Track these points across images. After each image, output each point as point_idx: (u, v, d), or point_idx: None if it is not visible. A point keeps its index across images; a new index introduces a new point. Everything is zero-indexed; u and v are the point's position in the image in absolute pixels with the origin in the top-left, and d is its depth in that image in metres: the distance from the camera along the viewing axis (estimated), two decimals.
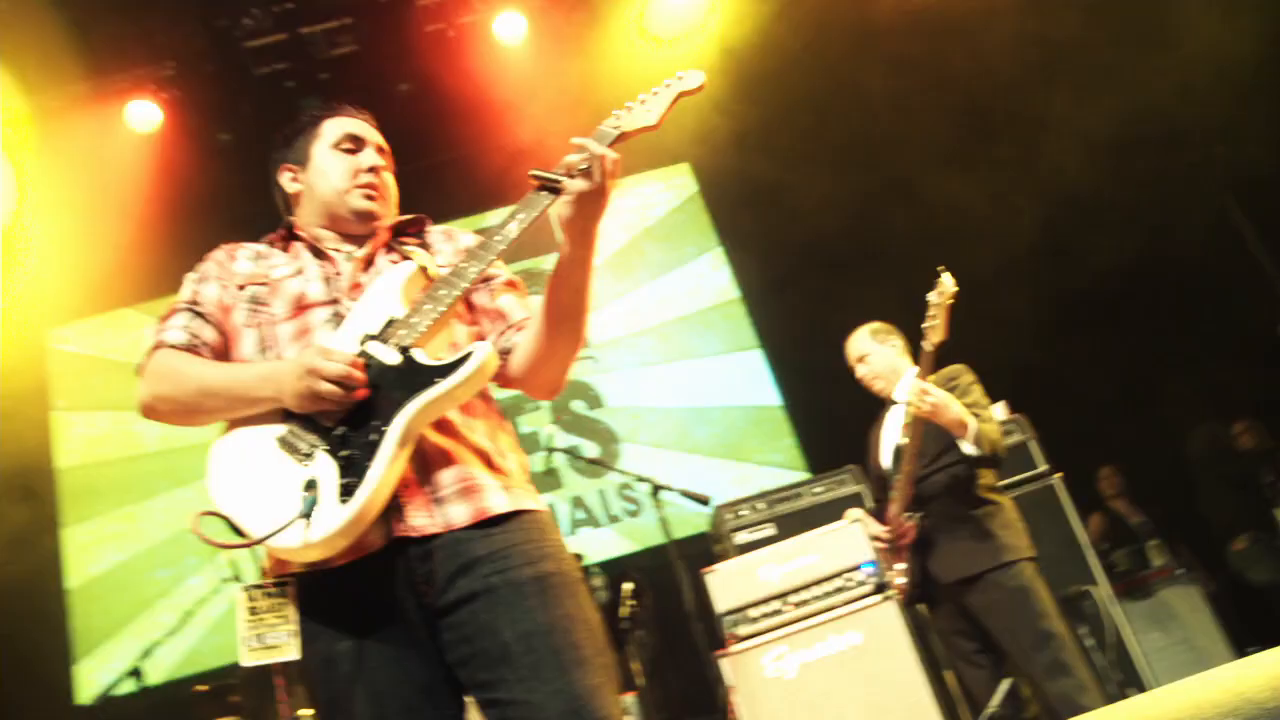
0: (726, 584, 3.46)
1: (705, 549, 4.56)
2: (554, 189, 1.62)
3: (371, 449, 1.55)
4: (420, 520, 1.60)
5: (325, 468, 1.57)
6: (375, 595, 1.60)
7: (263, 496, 1.60)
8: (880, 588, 3.38)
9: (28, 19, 5.07)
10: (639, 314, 6.62)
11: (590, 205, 1.60)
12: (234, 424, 1.73)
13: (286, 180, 1.96)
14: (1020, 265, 5.50)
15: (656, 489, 4.30)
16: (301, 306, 1.79)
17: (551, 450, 4.73)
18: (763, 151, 5.97)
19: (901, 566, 3.46)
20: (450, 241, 1.94)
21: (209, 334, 1.83)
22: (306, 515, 1.51)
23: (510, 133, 5.81)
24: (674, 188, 6.92)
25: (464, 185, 6.20)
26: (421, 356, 1.63)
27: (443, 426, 1.68)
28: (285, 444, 1.63)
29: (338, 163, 1.89)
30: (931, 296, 3.23)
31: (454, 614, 1.58)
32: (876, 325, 3.73)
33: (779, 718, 3.24)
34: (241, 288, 1.86)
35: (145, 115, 5.55)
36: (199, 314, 1.85)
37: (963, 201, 5.60)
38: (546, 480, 6.07)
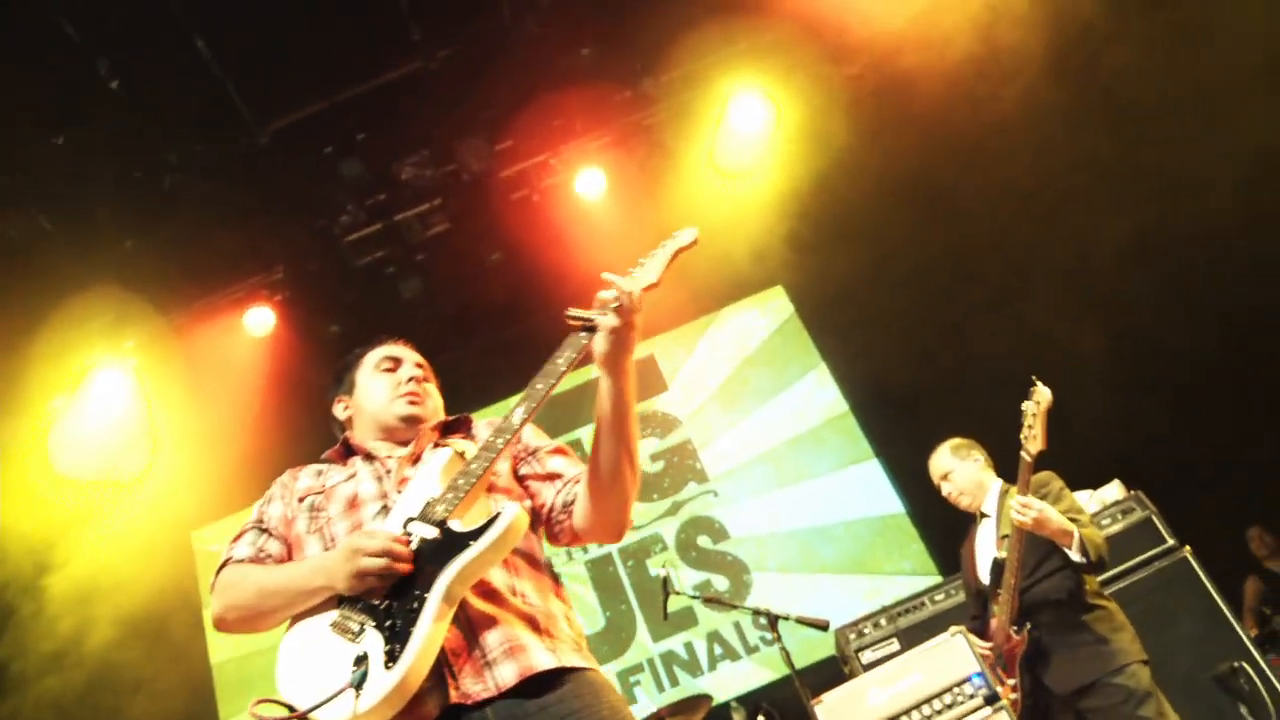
0: (836, 713, 3.76)
1: (836, 672, 4.99)
2: (590, 328, 1.97)
3: (414, 616, 1.81)
4: (473, 686, 1.85)
5: (373, 641, 1.84)
6: None
7: (319, 678, 1.86)
8: (991, 699, 3.60)
9: (150, 250, 6.29)
10: (751, 442, 7.31)
11: (621, 338, 1.93)
12: (295, 620, 2.01)
13: (339, 410, 2.43)
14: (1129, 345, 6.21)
15: (774, 621, 4.64)
16: (354, 505, 2.15)
17: (672, 594, 4.97)
18: (854, 268, 6.83)
19: (1012, 682, 3.73)
20: (493, 429, 2.21)
21: (274, 546, 2.20)
22: (357, 687, 1.77)
23: (598, 287, 7.01)
24: (769, 312, 7.67)
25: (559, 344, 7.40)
26: (457, 525, 1.91)
27: (489, 594, 1.94)
28: (338, 627, 1.91)
29: (380, 381, 2.35)
30: (1027, 405, 3.50)
31: None
32: (957, 441, 4.11)
33: None
34: (301, 500, 2.24)
35: (261, 319, 6.72)
36: (264, 530, 2.24)
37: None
38: (683, 618, 6.74)
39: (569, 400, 7.55)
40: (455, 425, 2.35)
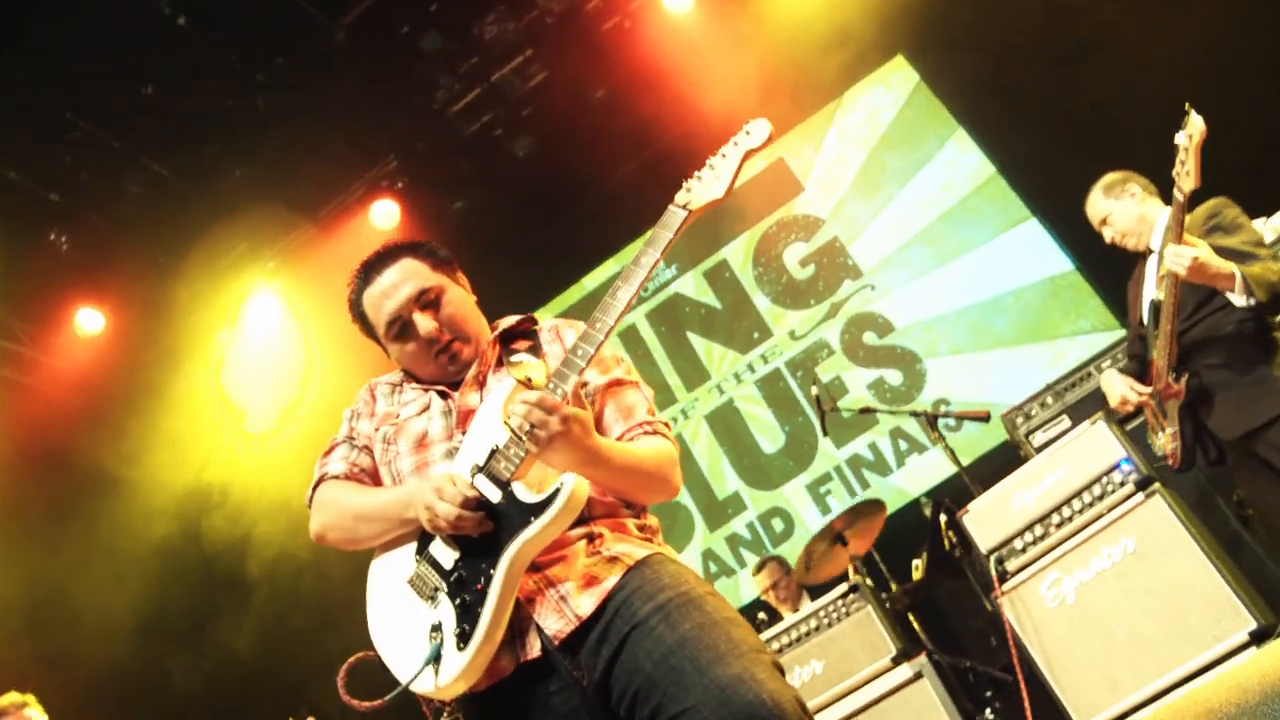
0: (983, 521, 3.75)
1: (1015, 457, 4.90)
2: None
3: (482, 596, 1.93)
4: (553, 624, 1.98)
5: (446, 613, 1.98)
6: (544, 697, 1.99)
7: (400, 637, 2.03)
8: (1143, 484, 3.48)
9: (263, 172, 6.74)
10: (900, 226, 7.35)
11: (558, 452, 1.97)
12: (383, 547, 2.18)
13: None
14: None
15: (933, 421, 4.93)
16: (423, 444, 2.23)
17: (828, 411, 5.36)
18: (975, 14, 6.64)
19: (1172, 430, 3.69)
20: (557, 342, 2.32)
21: (366, 460, 2.31)
22: (435, 660, 1.93)
23: (705, 102, 6.80)
24: (895, 86, 7.56)
25: (683, 169, 7.64)
26: (521, 491, 1.99)
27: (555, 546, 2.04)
28: (414, 585, 2.05)
29: (399, 352, 2.33)
30: (1179, 139, 3.38)
31: (609, 678, 1.94)
32: (1109, 179, 3.97)
33: (1072, 649, 3.46)
34: (377, 428, 2.32)
35: (386, 212, 7.13)
36: (355, 445, 2.34)
37: None
38: (864, 419, 6.97)
39: (707, 222, 7.74)
40: (518, 328, 2.42)
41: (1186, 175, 3.36)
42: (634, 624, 1.93)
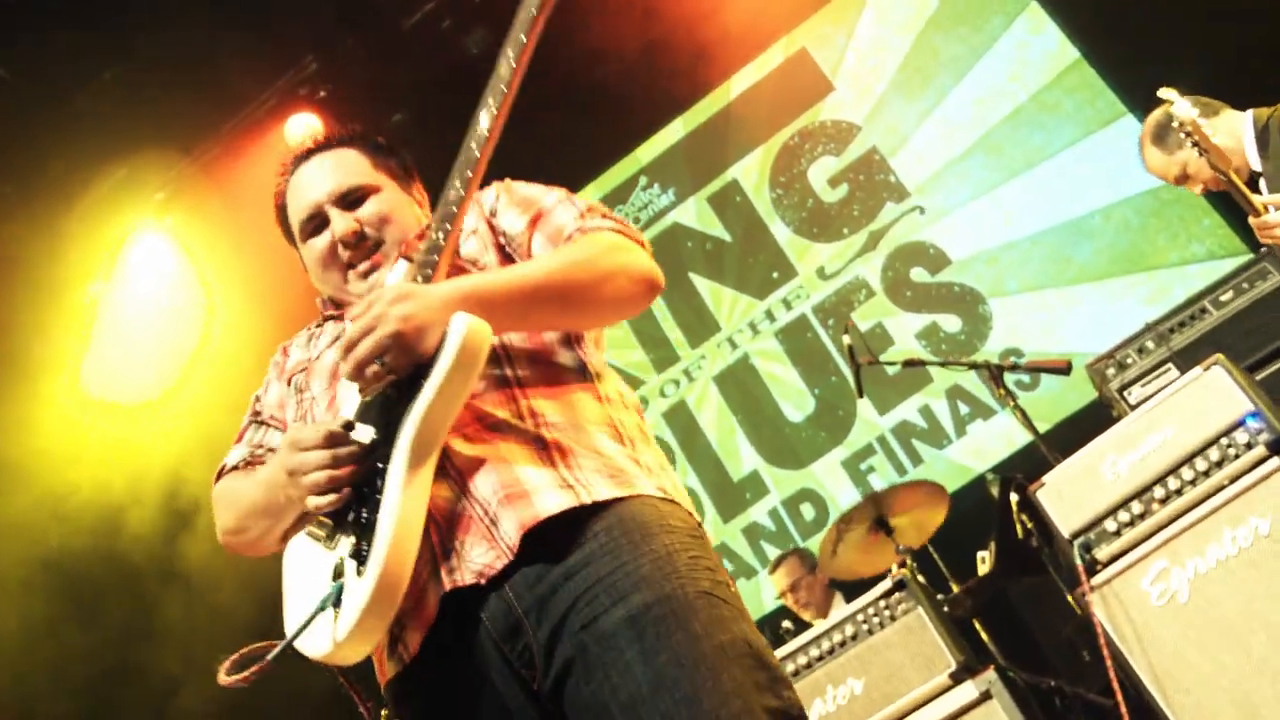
0: (1064, 497, 3.50)
1: (1103, 419, 4.52)
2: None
3: (378, 498, 1.82)
4: (481, 557, 1.82)
5: (347, 543, 1.86)
6: (477, 694, 1.83)
7: (304, 600, 1.91)
8: (1276, 445, 3.21)
9: (142, 77, 6.21)
10: (957, 130, 6.92)
11: (416, 347, 1.85)
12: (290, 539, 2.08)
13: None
14: None
15: (998, 375, 4.69)
16: (335, 376, 2.14)
17: (863, 365, 5.09)
18: None
19: None
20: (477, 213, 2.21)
21: (274, 438, 2.26)
22: (336, 604, 1.80)
23: None
24: None
25: (688, 58, 6.93)
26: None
27: (488, 428, 1.93)
28: (312, 533, 1.94)
29: (311, 257, 2.25)
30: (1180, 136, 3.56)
31: (563, 696, 1.78)
32: (1153, 125, 4.12)
33: (1189, 662, 3.18)
34: (290, 381, 2.27)
35: (304, 127, 6.53)
36: (261, 422, 2.30)
37: None
38: (915, 377, 6.66)
39: (710, 133, 7.44)
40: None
41: (1219, 157, 3.45)
42: (597, 636, 1.74)
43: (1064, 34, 6.90)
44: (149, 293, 6.86)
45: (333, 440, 1.86)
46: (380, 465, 1.83)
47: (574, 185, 6.56)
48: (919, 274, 7.02)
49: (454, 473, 1.88)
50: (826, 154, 7.37)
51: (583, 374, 2.05)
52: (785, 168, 7.45)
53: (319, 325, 2.34)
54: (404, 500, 1.78)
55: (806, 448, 7.09)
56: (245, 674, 1.81)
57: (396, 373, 1.82)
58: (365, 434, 1.87)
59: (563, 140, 7.20)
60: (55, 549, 6.52)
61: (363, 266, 2.20)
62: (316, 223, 2.22)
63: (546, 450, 1.90)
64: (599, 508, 1.84)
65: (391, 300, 1.83)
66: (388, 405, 1.87)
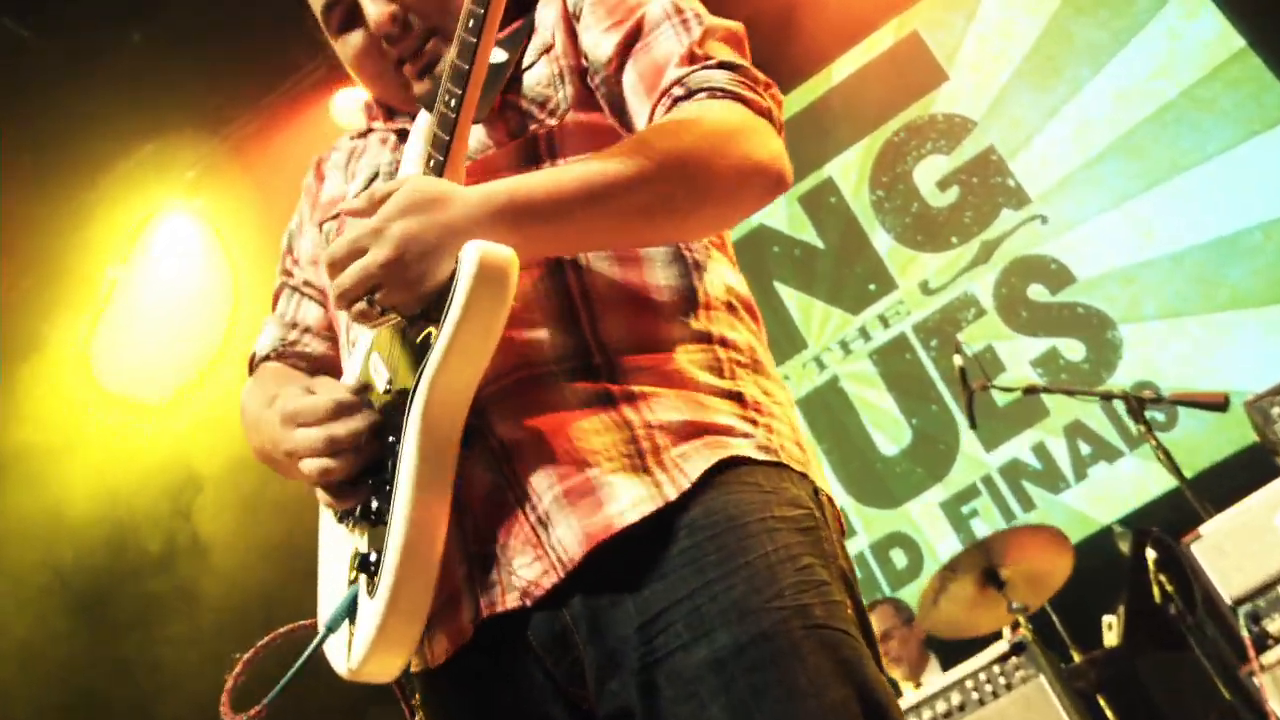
0: (1226, 555, 3.39)
1: (1265, 469, 4.44)
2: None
3: (388, 495, 1.54)
4: (524, 567, 1.54)
5: (360, 538, 1.64)
6: (512, 710, 1.59)
7: (329, 583, 1.74)
8: None
9: (174, 43, 6.02)
10: (1090, 129, 6.61)
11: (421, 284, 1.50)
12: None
13: None
14: None
15: (1139, 409, 4.45)
16: None
17: (975, 391, 4.91)
18: None
19: None
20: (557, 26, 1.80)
21: (312, 311, 1.98)
22: (350, 616, 1.59)
23: None
24: None
25: (789, 37, 6.64)
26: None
27: (532, 372, 1.59)
28: (342, 520, 1.69)
29: (347, 56, 1.89)
30: None
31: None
32: None
33: None
34: (319, 226, 1.95)
35: (356, 102, 6.25)
36: (292, 287, 2.00)
37: None
38: (1027, 410, 6.30)
39: (805, 124, 7.18)
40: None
41: None
42: (669, 672, 1.42)
43: (1226, 19, 6.54)
44: (172, 278, 6.71)
45: (339, 412, 1.55)
46: (393, 441, 1.53)
47: None
48: (1038, 292, 6.68)
49: (495, 443, 1.57)
50: (936, 152, 7.08)
51: (677, 262, 1.68)
52: (888, 166, 7.19)
53: (362, 135, 1.98)
54: (417, 498, 1.50)
55: (901, 485, 6.84)
56: (254, 710, 1.58)
57: (398, 312, 1.48)
58: (382, 379, 1.60)
59: None
60: (57, 555, 6.45)
61: (413, 67, 1.81)
62: (342, 9, 1.82)
63: (615, 406, 1.56)
64: (684, 497, 1.50)
65: (399, 210, 1.45)
66: (407, 344, 1.56)
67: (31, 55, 5.90)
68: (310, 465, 1.55)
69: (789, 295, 7.24)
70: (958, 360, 4.90)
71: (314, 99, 6.56)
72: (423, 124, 1.75)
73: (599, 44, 1.73)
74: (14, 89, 5.94)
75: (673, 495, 1.49)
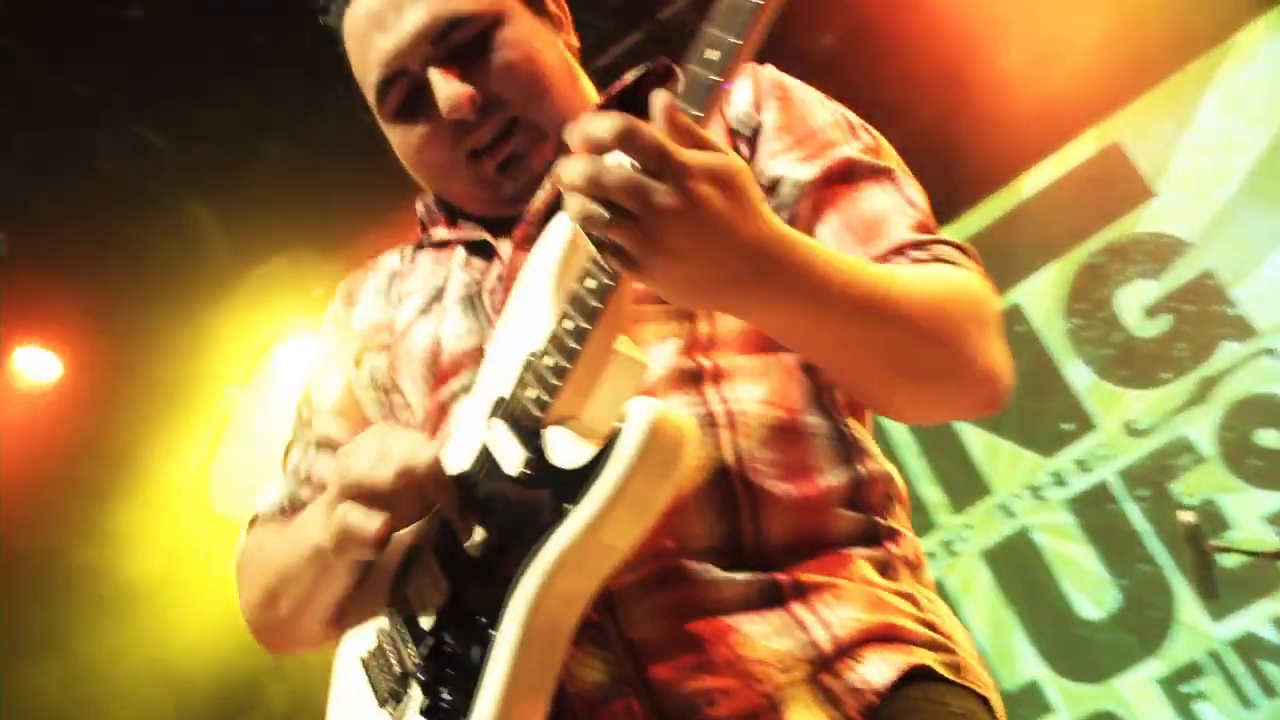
0: None
1: None
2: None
3: (471, 678, 1.37)
4: None
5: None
6: None
7: None
8: None
9: (306, 147, 6.15)
10: None
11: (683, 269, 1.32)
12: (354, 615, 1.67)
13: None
14: None
15: None
16: (441, 377, 1.70)
17: (1213, 554, 4.63)
18: None
19: None
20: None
21: (329, 467, 1.77)
22: None
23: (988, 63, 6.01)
24: None
25: (974, 146, 6.38)
26: (562, 442, 1.40)
27: (674, 577, 1.45)
28: (370, 669, 1.56)
29: (406, 145, 1.76)
30: None
31: None
32: None
33: None
34: (358, 362, 1.84)
35: None
36: (310, 442, 1.88)
37: None
38: (1268, 578, 5.83)
39: (989, 243, 6.72)
40: (634, 97, 1.76)
41: None
42: None
43: None
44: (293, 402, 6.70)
45: (435, 475, 1.47)
46: (483, 622, 1.38)
47: None
48: (1270, 438, 6.23)
49: (621, 644, 1.45)
50: (1142, 276, 6.67)
51: (838, 443, 1.61)
52: (1086, 292, 6.79)
53: (411, 255, 1.88)
54: (508, 710, 1.34)
55: (1107, 656, 6.35)
56: None
57: (624, 268, 1.30)
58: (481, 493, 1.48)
59: None
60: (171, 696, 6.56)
61: (492, 162, 1.71)
62: (402, 91, 1.71)
63: (783, 605, 1.46)
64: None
65: (711, 173, 1.27)
66: (518, 504, 1.42)
67: (164, 165, 5.97)
68: (355, 514, 1.43)
69: (971, 433, 6.88)
70: (1185, 516, 4.60)
71: None
72: (561, 231, 1.51)
73: (792, 172, 1.65)
74: (143, 199, 6.02)
75: (858, 716, 1.40)
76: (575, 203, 1.27)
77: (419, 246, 1.88)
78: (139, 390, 6.52)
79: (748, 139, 1.70)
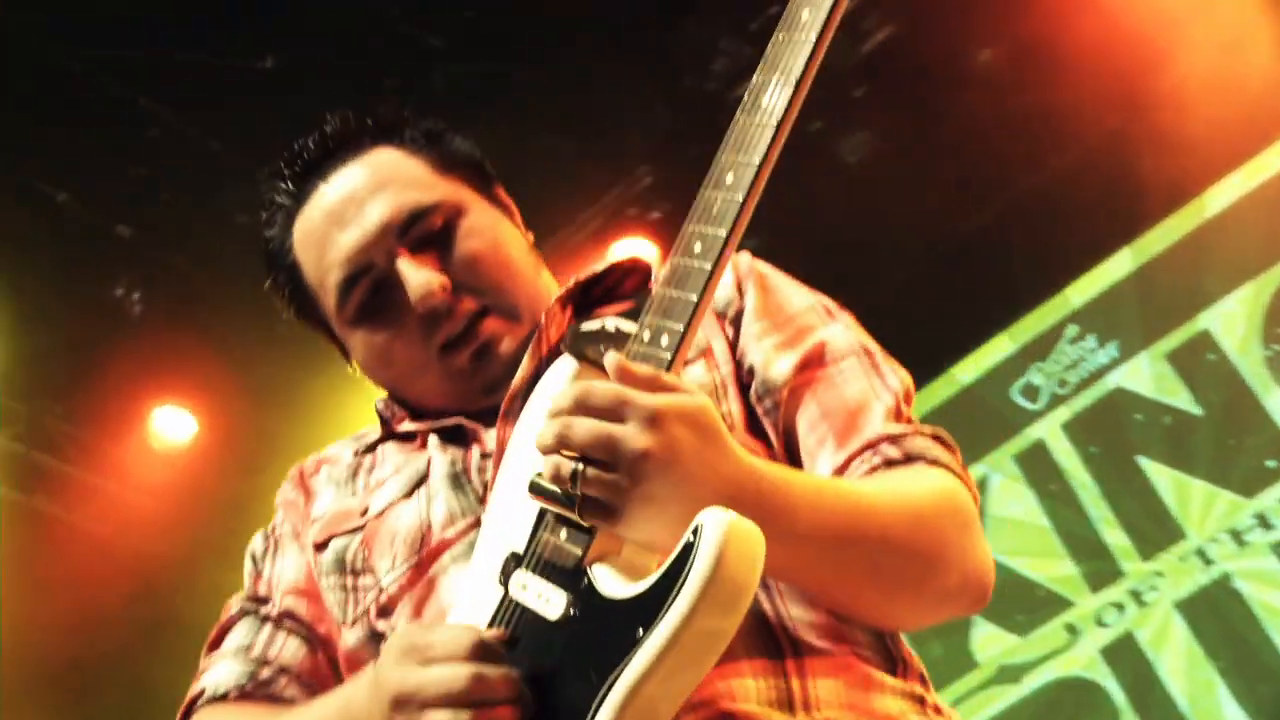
0: None
1: None
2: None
3: None
4: None
5: None
6: None
7: None
8: None
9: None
10: None
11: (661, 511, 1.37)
12: None
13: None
14: None
15: None
16: (429, 555, 1.70)
17: None
18: None
19: None
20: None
21: (291, 649, 1.78)
22: None
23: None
24: None
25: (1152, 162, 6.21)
26: (606, 581, 1.39)
27: None
28: None
29: (370, 346, 1.83)
30: None
31: None
32: None
33: None
34: (321, 546, 1.82)
35: (633, 255, 6.88)
36: (266, 617, 1.81)
37: None
38: None
39: (1171, 266, 6.66)
40: (609, 288, 1.91)
41: None
42: None
43: None
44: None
45: (485, 652, 1.36)
46: None
47: (976, 339, 6.37)
48: None
49: None
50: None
51: (886, 662, 1.63)
52: None
53: (367, 449, 1.90)
54: None
55: None
56: None
57: (603, 522, 1.35)
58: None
59: (968, 276, 6.72)
60: None
61: (465, 351, 1.77)
62: (366, 288, 1.78)
63: None
64: None
65: (681, 414, 1.33)
66: (572, 646, 1.38)
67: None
68: (440, 680, 1.35)
69: (1158, 472, 6.55)
70: None
71: (586, 253, 6.58)
72: (546, 402, 1.51)
73: (771, 363, 1.72)
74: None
75: None
76: (548, 465, 1.34)
77: (374, 443, 1.91)
78: (276, 448, 6.48)
79: (732, 320, 1.78)
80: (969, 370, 7.07)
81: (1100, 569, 6.43)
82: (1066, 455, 6.73)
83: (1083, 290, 6.71)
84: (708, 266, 1.44)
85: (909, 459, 1.64)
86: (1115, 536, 6.44)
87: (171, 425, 6.47)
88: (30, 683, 5.96)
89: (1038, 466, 6.73)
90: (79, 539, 6.30)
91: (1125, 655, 6.21)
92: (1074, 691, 6.13)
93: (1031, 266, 6.53)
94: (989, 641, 6.32)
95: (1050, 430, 6.80)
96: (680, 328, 1.44)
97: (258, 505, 6.36)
